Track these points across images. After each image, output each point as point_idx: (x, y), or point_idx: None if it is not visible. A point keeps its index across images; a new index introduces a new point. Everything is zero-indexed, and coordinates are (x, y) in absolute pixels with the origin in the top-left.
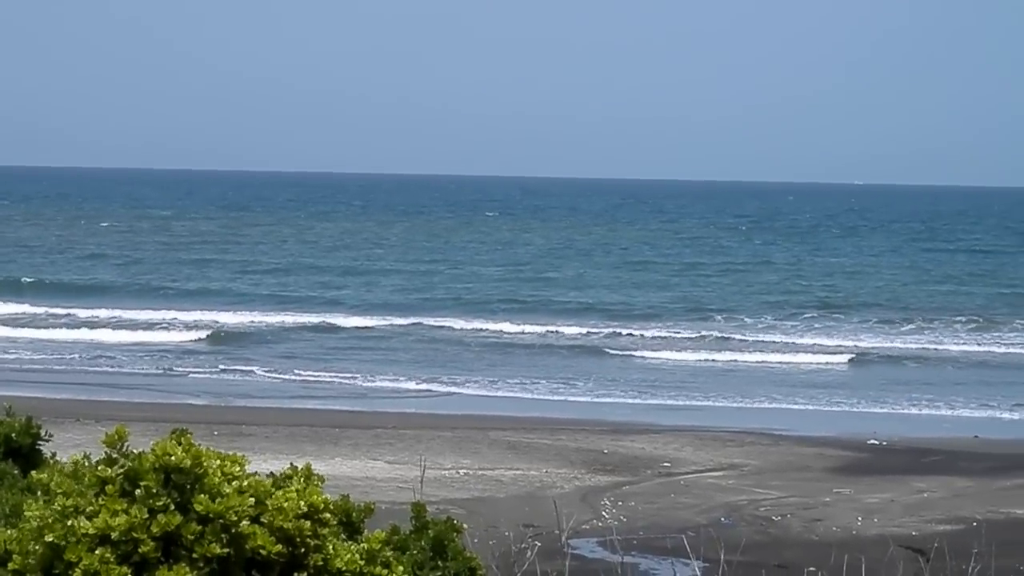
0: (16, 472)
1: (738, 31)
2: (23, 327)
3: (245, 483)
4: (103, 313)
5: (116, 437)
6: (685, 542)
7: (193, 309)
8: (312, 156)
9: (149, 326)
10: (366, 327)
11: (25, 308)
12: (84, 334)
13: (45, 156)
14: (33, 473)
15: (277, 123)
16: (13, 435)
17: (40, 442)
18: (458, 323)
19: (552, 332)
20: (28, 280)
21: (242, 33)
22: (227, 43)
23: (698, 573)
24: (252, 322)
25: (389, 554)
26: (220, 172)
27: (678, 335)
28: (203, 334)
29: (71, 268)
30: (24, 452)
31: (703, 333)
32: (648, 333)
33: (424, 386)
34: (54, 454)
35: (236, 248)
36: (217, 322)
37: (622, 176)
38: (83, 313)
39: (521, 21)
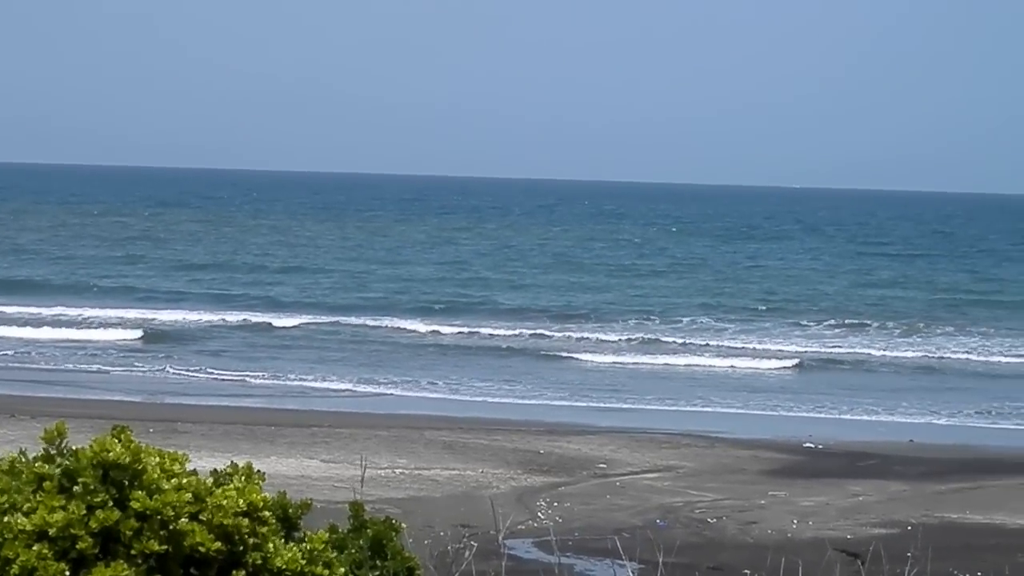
0: None
1: (710, 35)
2: None
3: (184, 480)
4: (35, 310)
5: (55, 433)
6: (619, 544)
7: (127, 307)
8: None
9: (83, 323)
10: (300, 325)
11: None
12: (15, 331)
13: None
14: None
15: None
16: None
17: None
18: (393, 322)
19: (488, 334)
20: None
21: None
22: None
23: (633, 575)
24: (187, 320)
25: (332, 555)
26: (215, 170)
27: (614, 338)
28: (138, 332)
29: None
30: None
31: (639, 336)
32: (584, 335)
33: (359, 386)
34: None
35: (169, 244)
36: (151, 320)
37: (564, 177)
38: (12, 310)
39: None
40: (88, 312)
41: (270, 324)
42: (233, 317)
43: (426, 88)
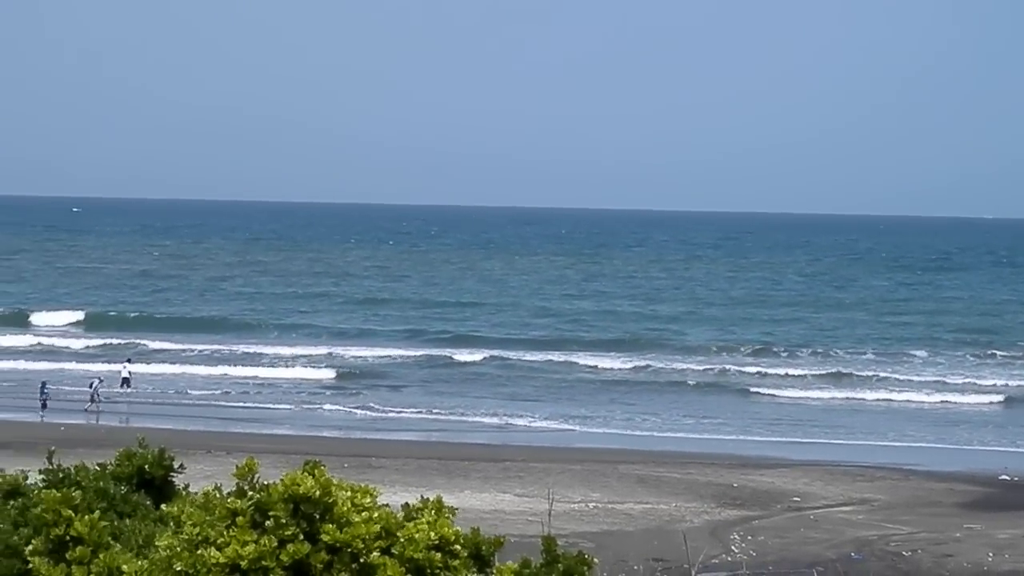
0: (148, 503)
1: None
2: (156, 362)
3: (375, 514)
4: (227, 347)
5: (246, 469)
6: None
7: (315, 344)
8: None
9: (276, 361)
10: (484, 359)
11: (146, 342)
12: (208, 369)
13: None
14: (164, 505)
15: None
16: (146, 467)
17: (172, 474)
18: (579, 357)
19: (676, 368)
20: (139, 315)
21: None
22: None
23: None
24: (374, 356)
25: None
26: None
27: (803, 372)
28: (331, 372)
29: (181, 302)
30: (157, 484)
31: (829, 369)
32: (773, 369)
33: (550, 421)
34: (187, 485)
35: (347, 280)
36: (340, 355)
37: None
38: (203, 347)
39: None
40: (279, 350)
41: (451, 358)
42: (417, 352)
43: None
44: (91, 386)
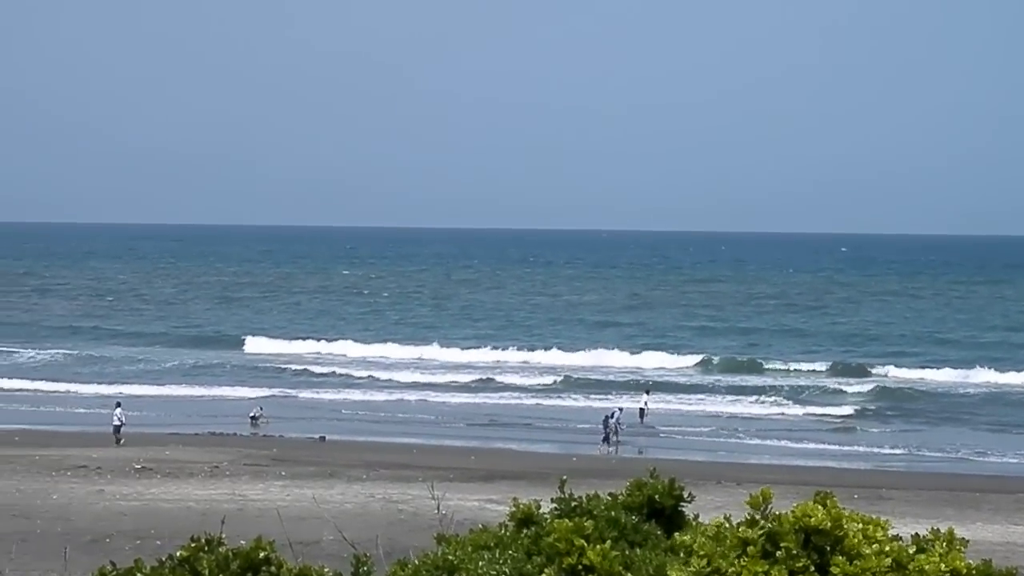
0: (659, 533)
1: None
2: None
3: (886, 547)
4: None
5: (760, 499)
6: None
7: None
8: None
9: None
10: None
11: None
12: (723, 405)
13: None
14: (676, 534)
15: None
16: (656, 496)
17: (682, 504)
18: None
19: None
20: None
21: None
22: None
23: None
24: (896, 383)
25: None
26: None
27: None
28: (847, 409)
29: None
30: (667, 513)
31: None
32: None
33: None
34: (696, 515)
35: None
36: (873, 389)
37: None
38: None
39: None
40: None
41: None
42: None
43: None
44: (611, 416)
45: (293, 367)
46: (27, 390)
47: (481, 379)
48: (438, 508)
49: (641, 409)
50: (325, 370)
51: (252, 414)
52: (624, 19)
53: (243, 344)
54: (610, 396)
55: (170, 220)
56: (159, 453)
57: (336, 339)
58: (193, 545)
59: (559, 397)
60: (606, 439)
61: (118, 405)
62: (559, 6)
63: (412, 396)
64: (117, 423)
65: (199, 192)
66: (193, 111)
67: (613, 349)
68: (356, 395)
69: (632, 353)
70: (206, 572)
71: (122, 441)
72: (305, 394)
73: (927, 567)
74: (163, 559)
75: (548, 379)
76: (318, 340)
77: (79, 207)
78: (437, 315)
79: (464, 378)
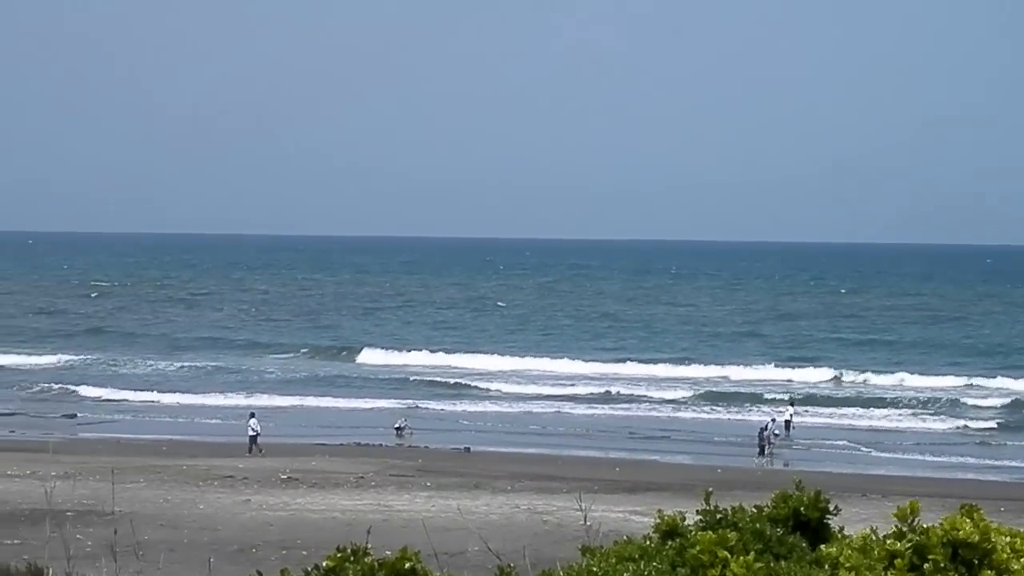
0: (804, 545)
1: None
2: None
3: None
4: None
5: (908, 511)
6: None
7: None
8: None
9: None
10: None
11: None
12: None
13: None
14: (822, 547)
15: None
16: (802, 509)
17: (828, 516)
18: None
19: None
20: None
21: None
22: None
23: None
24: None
25: None
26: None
27: None
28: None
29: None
30: (812, 526)
31: None
32: None
33: None
34: (841, 528)
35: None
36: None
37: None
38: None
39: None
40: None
41: None
42: None
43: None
44: (766, 428)
45: (434, 379)
46: (171, 403)
47: (614, 392)
48: (585, 519)
49: (787, 421)
50: (467, 382)
51: (397, 425)
52: None
53: (366, 354)
54: (753, 408)
55: (312, 231)
56: (305, 464)
57: (474, 352)
58: (339, 555)
59: (700, 409)
60: (761, 450)
61: (252, 415)
62: None
63: (551, 408)
64: (252, 433)
65: (351, 201)
66: (341, 124)
67: (757, 362)
68: (499, 407)
69: (777, 365)
70: None
71: (262, 451)
72: (444, 406)
73: None
74: (309, 569)
75: (688, 391)
76: (461, 353)
77: (228, 219)
78: (577, 326)
79: (598, 389)
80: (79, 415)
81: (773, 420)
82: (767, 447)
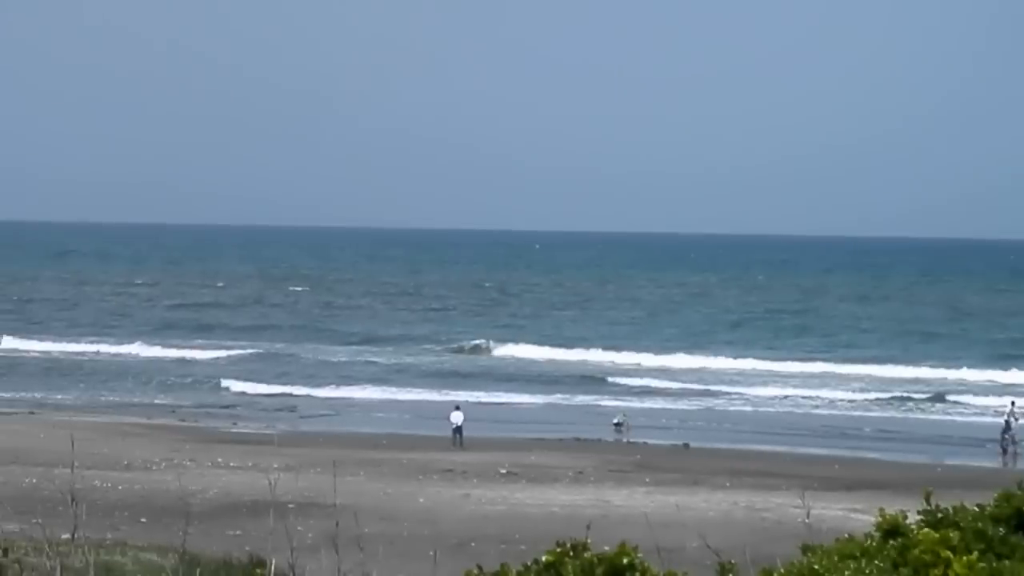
0: None
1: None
2: None
3: None
4: None
5: None
6: None
7: None
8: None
9: None
10: None
11: None
12: None
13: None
14: None
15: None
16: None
17: None
18: None
19: None
20: None
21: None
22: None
23: None
24: None
25: None
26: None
27: None
28: None
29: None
30: None
31: None
32: None
33: None
34: None
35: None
36: None
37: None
38: None
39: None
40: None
41: None
42: None
43: None
44: (1009, 428)
45: (635, 381)
46: (397, 399)
47: (812, 395)
48: (807, 516)
49: (1007, 421)
50: (670, 380)
51: (616, 420)
52: None
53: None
54: (976, 409)
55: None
56: (524, 458)
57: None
58: (558, 550)
59: (910, 408)
60: (1004, 451)
61: (457, 408)
62: None
63: (759, 407)
64: (456, 424)
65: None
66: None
67: (975, 364)
68: (714, 402)
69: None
70: None
71: (463, 445)
72: (663, 404)
73: None
74: (528, 563)
75: (895, 390)
76: (683, 353)
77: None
78: (773, 324)
79: (794, 392)
80: (298, 408)
81: (1016, 419)
82: (1010, 447)
